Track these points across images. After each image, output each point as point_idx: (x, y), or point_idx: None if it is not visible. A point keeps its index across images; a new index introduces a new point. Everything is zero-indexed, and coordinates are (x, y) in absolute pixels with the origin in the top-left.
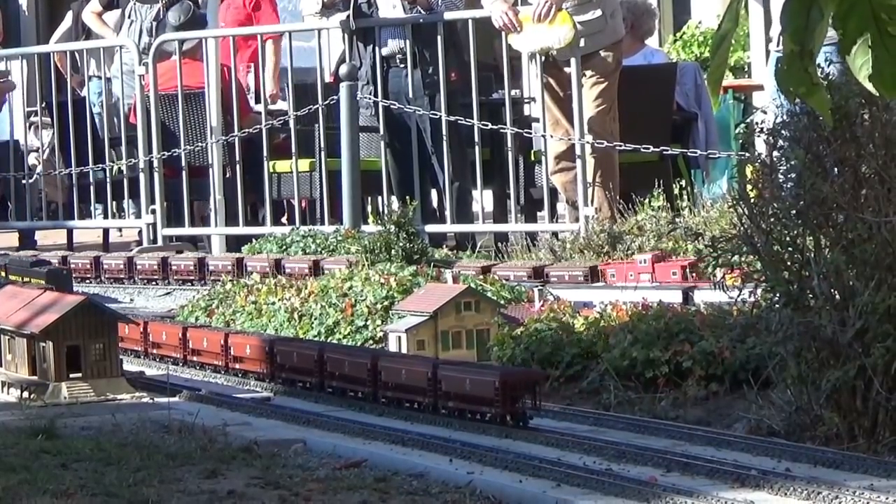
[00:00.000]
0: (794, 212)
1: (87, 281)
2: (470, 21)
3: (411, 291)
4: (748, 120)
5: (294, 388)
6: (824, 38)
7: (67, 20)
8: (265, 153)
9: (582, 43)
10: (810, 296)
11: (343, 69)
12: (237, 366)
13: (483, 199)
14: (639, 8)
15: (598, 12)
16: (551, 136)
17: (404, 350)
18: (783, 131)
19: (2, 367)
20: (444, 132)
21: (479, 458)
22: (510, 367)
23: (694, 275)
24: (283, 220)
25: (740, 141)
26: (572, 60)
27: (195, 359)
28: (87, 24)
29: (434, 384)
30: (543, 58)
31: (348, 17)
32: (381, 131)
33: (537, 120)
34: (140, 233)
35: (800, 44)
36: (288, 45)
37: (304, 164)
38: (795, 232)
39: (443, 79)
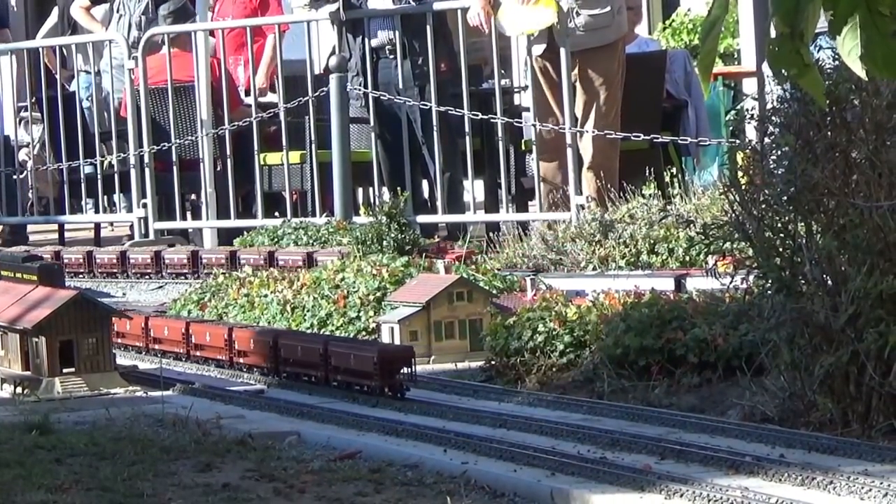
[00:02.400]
0: (785, 198)
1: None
2: (459, 11)
3: (403, 282)
4: (738, 107)
5: (207, 365)
6: (817, 19)
7: (54, 16)
8: (255, 146)
9: (582, 31)
10: (802, 282)
11: (332, 61)
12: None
13: (474, 189)
14: None
15: (607, 8)
16: (542, 125)
17: (397, 341)
18: (773, 117)
19: None
20: (434, 122)
21: (474, 448)
22: (388, 344)
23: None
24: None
25: (730, 128)
26: (562, 50)
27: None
28: (76, 18)
29: (325, 359)
30: (543, 46)
31: (338, 8)
32: (372, 122)
33: (528, 109)
34: (131, 227)
35: (790, 25)
36: (278, 37)
37: (294, 157)
38: (787, 218)
39: (432, 69)
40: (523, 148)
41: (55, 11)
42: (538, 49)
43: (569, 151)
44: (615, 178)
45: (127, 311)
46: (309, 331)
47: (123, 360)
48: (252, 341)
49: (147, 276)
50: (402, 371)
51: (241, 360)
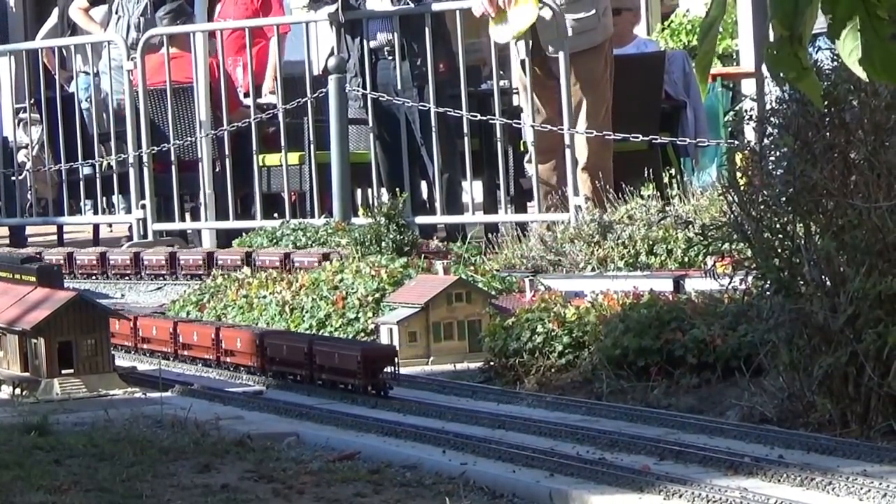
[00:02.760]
0: (784, 199)
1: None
2: (458, 11)
3: (402, 283)
4: (737, 107)
5: (195, 363)
6: (814, 22)
7: (53, 17)
8: (254, 147)
9: (570, 32)
10: (801, 282)
11: (331, 62)
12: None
13: (473, 190)
14: None
15: (592, 11)
16: (539, 127)
17: (396, 343)
18: (772, 118)
19: None
20: (433, 123)
21: (473, 449)
22: (372, 343)
23: None
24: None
25: (729, 129)
26: (560, 54)
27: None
28: (74, 19)
29: (310, 358)
30: (530, 46)
31: (337, 9)
32: (371, 123)
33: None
34: (130, 228)
35: (789, 28)
36: (277, 38)
37: (293, 158)
38: (786, 219)
39: (431, 70)
40: (522, 149)
41: (55, 12)
42: (524, 52)
43: (567, 153)
44: (610, 179)
45: (126, 312)
46: (308, 332)
47: (115, 360)
48: (239, 340)
49: (127, 277)
50: (385, 370)
51: (229, 360)
